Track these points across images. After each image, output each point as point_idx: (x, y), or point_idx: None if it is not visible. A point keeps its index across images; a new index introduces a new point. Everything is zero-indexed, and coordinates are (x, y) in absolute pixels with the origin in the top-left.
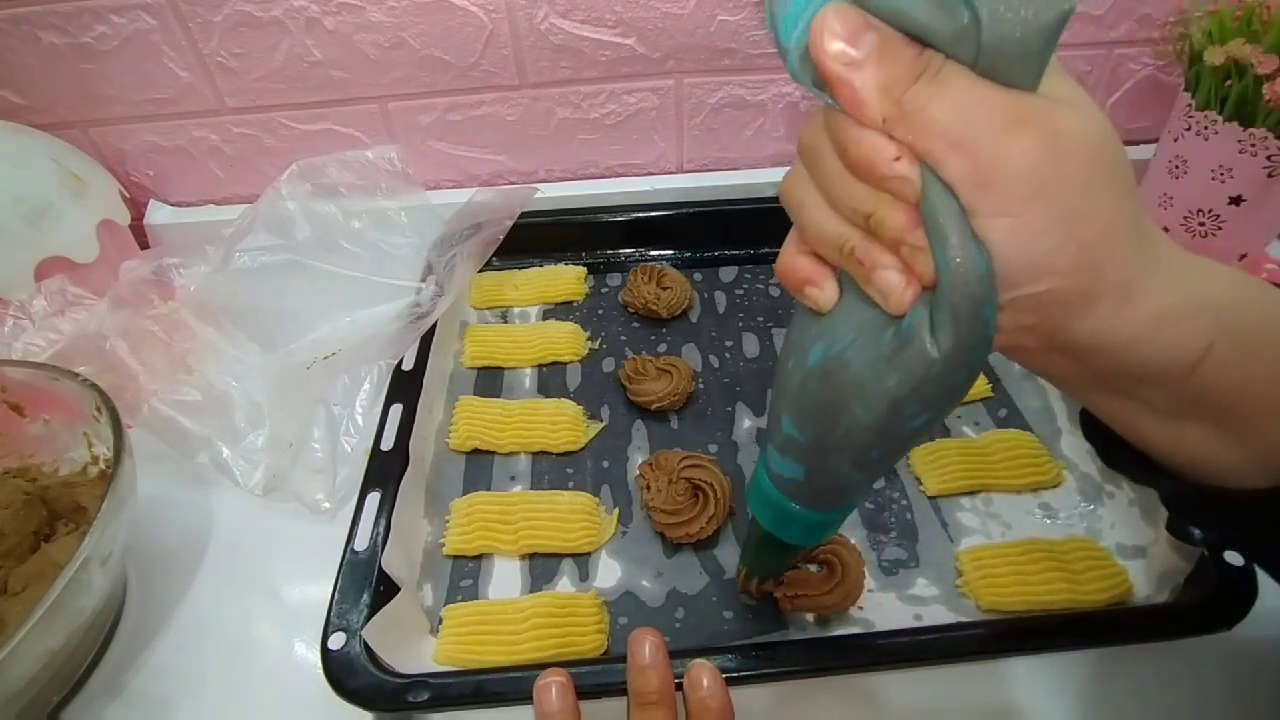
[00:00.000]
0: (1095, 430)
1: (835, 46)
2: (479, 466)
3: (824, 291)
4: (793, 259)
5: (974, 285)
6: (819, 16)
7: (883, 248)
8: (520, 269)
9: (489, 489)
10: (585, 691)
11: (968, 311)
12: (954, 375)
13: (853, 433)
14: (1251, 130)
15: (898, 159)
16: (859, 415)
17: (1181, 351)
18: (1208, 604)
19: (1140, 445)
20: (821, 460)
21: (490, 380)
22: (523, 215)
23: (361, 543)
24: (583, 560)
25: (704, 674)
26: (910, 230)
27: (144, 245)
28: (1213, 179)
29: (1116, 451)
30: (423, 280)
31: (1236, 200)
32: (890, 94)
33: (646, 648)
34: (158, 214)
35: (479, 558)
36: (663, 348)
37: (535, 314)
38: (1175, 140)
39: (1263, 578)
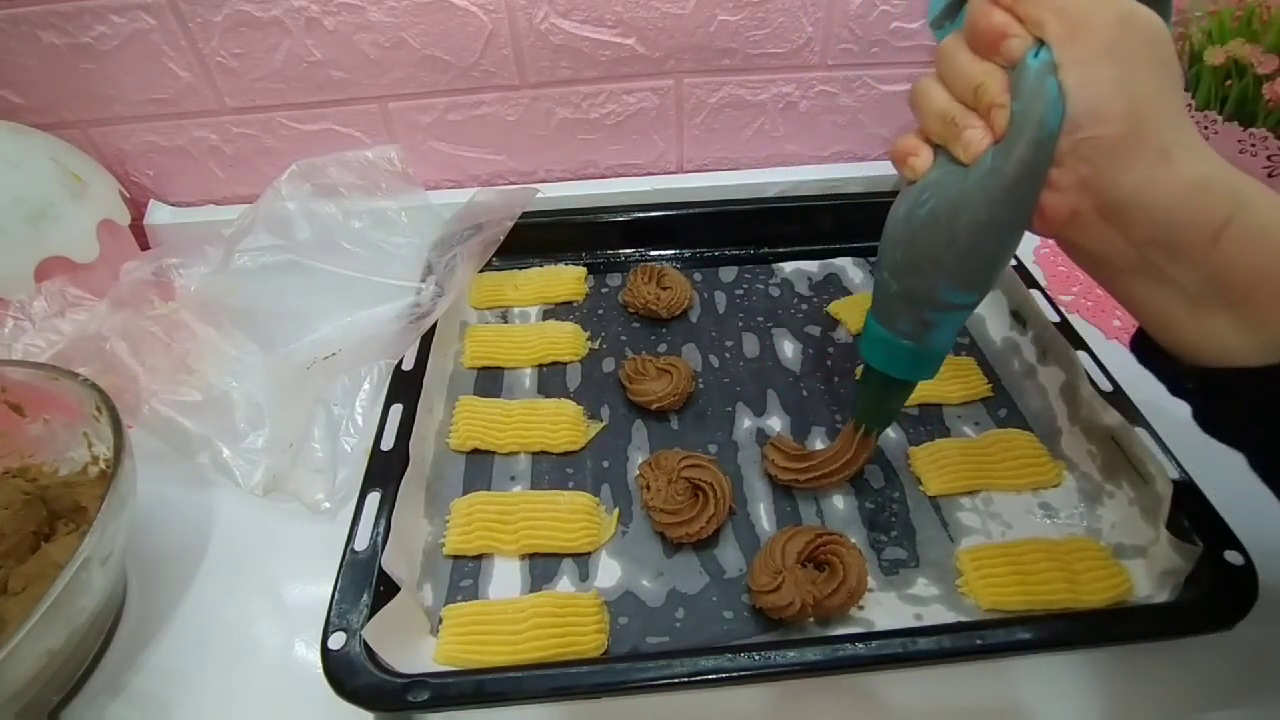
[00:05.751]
0: (1143, 345)
1: None
2: (479, 466)
3: (920, 158)
4: (905, 140)
5: (1044, 110)
6: None
7: (974, 115)
8: (520, 269)
9: (489, 489)
10: (585, 691)
11: (1032, 134)
12: (1018, 185)
13: (955, 242)
14: (1251, 130)
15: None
16: (959, 229)
17: (1207, 217)
18: (1208, 604)
19: (1171, 339)
20: (917, 278)
21: (490, 380)
22: (523, 215)
23: (361, 543)
24: (583, 560)
25: None
26: (1001, 94)
27: (144, 245)
28: None
29: (1156, 356)
30: (423, 280)
31: None
32: None
33: None
34: (158, 214)
35: (479, 558)
36: (663, 348)
37: (535, 314)
38: None
39: (1263, 578)
